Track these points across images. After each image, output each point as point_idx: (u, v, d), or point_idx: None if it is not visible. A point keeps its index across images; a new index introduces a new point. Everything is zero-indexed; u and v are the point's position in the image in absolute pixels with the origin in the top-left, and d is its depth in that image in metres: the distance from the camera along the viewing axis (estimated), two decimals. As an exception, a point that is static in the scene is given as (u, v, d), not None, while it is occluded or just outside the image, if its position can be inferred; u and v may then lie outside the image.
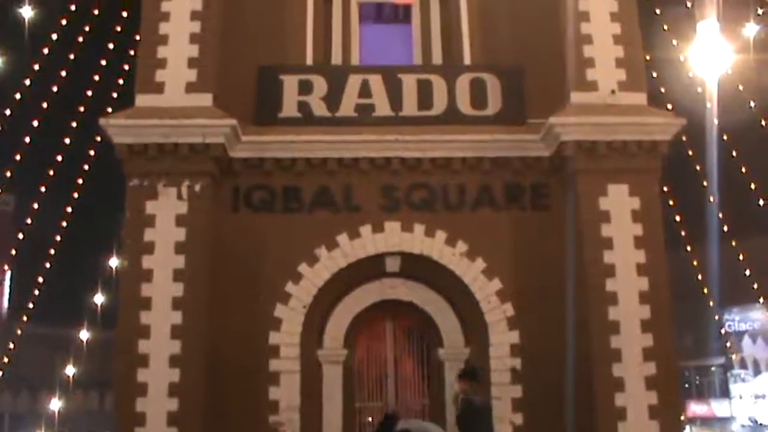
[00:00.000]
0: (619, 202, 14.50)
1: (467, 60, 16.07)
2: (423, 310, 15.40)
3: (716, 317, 29.13)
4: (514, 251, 14.95)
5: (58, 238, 24.65)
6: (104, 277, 33.63)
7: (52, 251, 24.78)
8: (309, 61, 15.96)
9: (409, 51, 16.74)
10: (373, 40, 16.80)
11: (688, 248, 23.30)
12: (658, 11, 21.87)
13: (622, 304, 14.05)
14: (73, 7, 22.95)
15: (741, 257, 23.82)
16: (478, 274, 14.81)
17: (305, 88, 15.39)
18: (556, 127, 14.53)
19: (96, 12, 23.06)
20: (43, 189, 24.03)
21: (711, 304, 25.22)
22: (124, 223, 14.50)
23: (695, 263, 23.45)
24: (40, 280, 24.87)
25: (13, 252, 27.00)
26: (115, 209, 15.71)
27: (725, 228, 23.14)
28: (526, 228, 15.03)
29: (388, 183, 15.08)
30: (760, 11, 20.59)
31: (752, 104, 21.17)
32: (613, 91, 14.91)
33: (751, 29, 20.55)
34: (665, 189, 18.62)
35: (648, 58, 18.09)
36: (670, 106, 18.98)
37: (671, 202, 21.56)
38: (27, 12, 23.64)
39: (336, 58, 16.42)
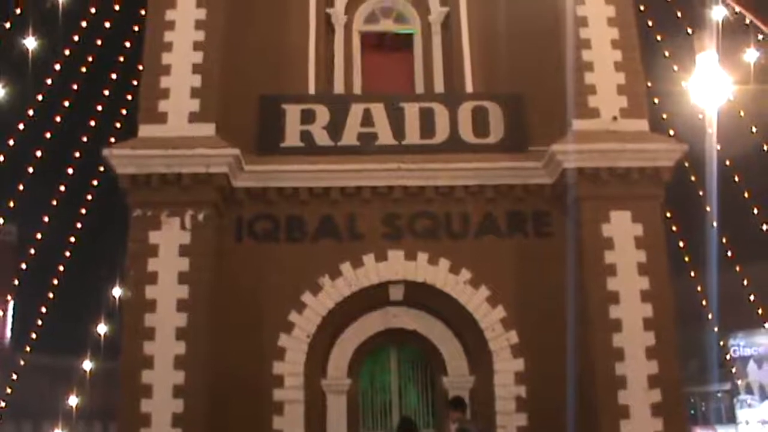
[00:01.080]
0: (622, 229, 14.47)
1: (469, 88, 16.12)
2: (427, 338, 15.39)
3: (721, 342, 29.01)
4: (517, 279, 14.92)
5: (61, 267, 24.63)
6: (107, 306, 33.59)
7: (55, 281, 24.76)
8: (311, 90, 16.03)
9: (411, 79, 16.83)
10: (375, 69, 16.87)
11: (692, 274, 23.28)
12: (659, 38, 22.04)
13: (626, 330, 13.98)
14: (76, 38, 23.07)
15: (745, 282, 23.78)
16: (482, 301, 14.79)
17: (308, 117, 15.47)
18: (558, 154, 14.55)
19: (99, 42, 23.18)
20: (46, 219, 24.06)
21: (715, 329, 25.13)
22: (127, 252, 14.45)
23: (699, 289, 23.42)
24: (43, 309, 24.85)
25: (16, 282, 26.98)
26: (118, 239, 15.68)
27: (729, 253, 23.11)
28: (529, 255, 15.01)
29: (391, 211, 15.11)
30: (760, 37, 20.68)
31: (754, 129, 21.26)
32: (614, 118, 14.90)
33: (751, 55, 20.61)
34: (668, 215, 18.57)
35: (649, 84, 18.13)
36: (672, 132, 19.08)
37: (674, 228, 21.55)
38: (30, 43, 23.74)
39: (338, 87, 16.49)
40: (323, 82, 16.27)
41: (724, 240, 22.88)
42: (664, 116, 21.13)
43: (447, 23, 16.95)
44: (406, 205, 15.11)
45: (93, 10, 22.78)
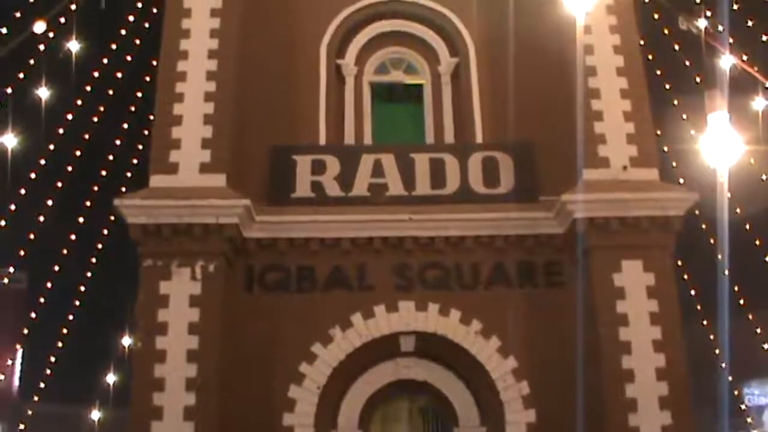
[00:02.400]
0: (633, 279, 14.42)
1: (479, 138, 16.21)
2: (438, 389, 15.29)
3: (735, 392, 28.70)
4: (528, 329, 14.86)
5: (71, 317, 24.59)
6: (117, 356, 33.47)
7: (65, 330, 24.69)
8: (322, 140, 16.13)
9: (421, 130, 16.93)
10: (386, 120, 17.01)
11: (704, 322, 23.12)
12: (667, 86, 22.11)
13: (638, 381, 13.87)
14: (88, 88, 23.26)
15: (758, 330, 23.61)
16: (493, 352, 14.72)
17: (318, 167, 15.54)
18: (569, 204, 14.56)
19: (111, 92, 23.35)
20: (56, 268, 24.06)
21: (729, 378, 24.86)
22: (137, 302, 14.45)
23: (712, 337, 23.23)
24: (52, 359, 24.76)
25: (26, 331, 26.91)
26: (129, 289, 15.70)
27: (741, 301, 22.97)
28: (540, 306, 14.98)
29: (401, 262, 15.11)
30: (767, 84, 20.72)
31: (764, 177, 21.22)
32: (625, 167, 14.94)
33: (759, 103, 20.65)
34: (679, 263, 18.51)
35: (659, 133, 18.18)
36: (682, 181, 19.07)
37: (685, 276, 21.45)
38: (43, 92, 23.95)
39: (349, 138, 16.59)
40: (334, 133, 16.38)
41: (736, 288, 22.74)
42: (674, 164, 21.14)
43: (457, 74, 17.11)
44: (416, 256, 15.12)
45: (105, 61, 22.99)
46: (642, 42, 17.04)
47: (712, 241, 21.62)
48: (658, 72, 21.48)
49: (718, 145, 9.02)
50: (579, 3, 12.35)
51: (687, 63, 21.41)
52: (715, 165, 9.49)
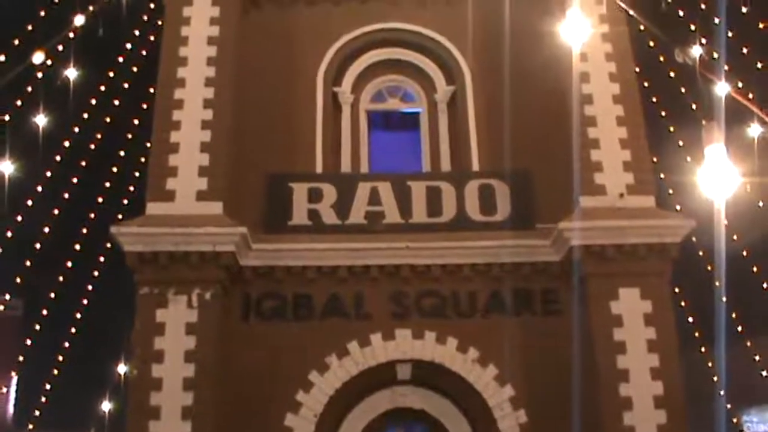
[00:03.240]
0: (630, 306, 14.42)
1: (475, 165, 16.22)
2: (435, 417, 15.23)
3: (734, 419, 28.57)
4: (526, 357, 14.81)
5: (67, 344, 24.49)
6: (112, 384, 33.29)
7: (60, 357, 24.59)
8: (318, 168, 16.14)
9: (417, 157, 16.94)
10: (382, 147, 17.05)
11: (702, 349, 23.05)
12: (663, 113, 22.15)
13: (636, 408, 13.83)
14: (85, 115, 23.29)
15: (757, 358, 23.55)
16: (490, 380, 14.67)
17: (315, 195, 15.56)
18: (565, 232, 14.58)
19: (108, 119, 23.37)
20: (52, 295, 23.98)
21: (728, 405, 24.77)
22: (133, 330, 14.42)
23: (710, 364, 23.15)
24: (48, 386, 24.63)
25: (21, 358, 26.77)
26: (125, 316, 15.68)
27: (739, 328, 22.91)
28: (537, 333, 14.93)
29: (398, 290, 15.10)
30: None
31: (761, 204, 21.24)
32: (621, 195, 14.98)
33: (755, 130, 20.69)
34: (676, 290, 18.49)
35: (655, 160, 18.20)
36: (678, 207, 19.07)
37: (683, 303, 21.42)
38: (41, 119, 23.98)
39: (345, 166, 16.58)
40: (330, 161, 16.38)
41: (734, 314, 22.71)
42: (671, 191, 21.14)
43: (453, 101, 17.13)
44: (413, 284, 15.11)
45: (102, 88, 23.03)
46: (637, 69, 17.09)
47: (709, 267, 21.60)
48: (654, 99, 21.52)
49: (715, 178, 9.08)
50: (575, 32, 12.41)
51: (683, 90, 21.44)
52: (713, 198, 9.54)
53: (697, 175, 9.34)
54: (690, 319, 22.26)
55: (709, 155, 9.07)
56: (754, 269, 22.26)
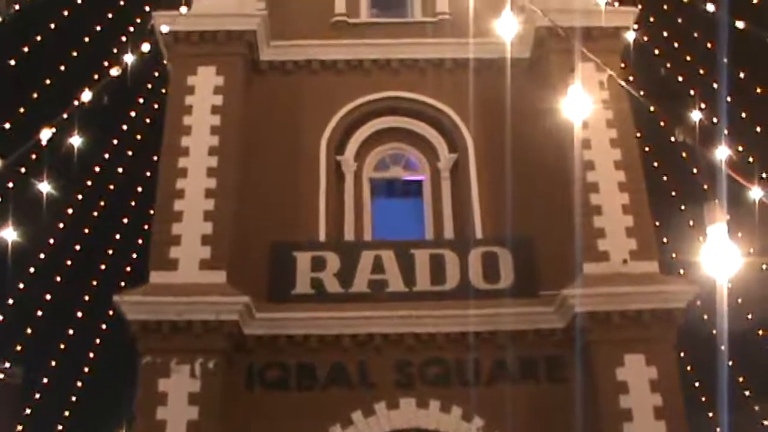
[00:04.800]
0: (636, 373, 14.35)
1: (479, 233, 16.23)
2: (440, 487, 15.00)
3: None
4: (531, 425, 14.67)
5: (67, 413, 24.30)
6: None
7: (60, 426, 24.38)
8: (322, 236, 16.14)
9: (420, 225, 16.95)
10: (385, 215, 17.06)
11: (710, 414, 22.86)
12: (665, 177, 22.27)
13: (645, 477, 13.68)
14: (89, 182, 23.41)
15: (765, 422, 23.40)
16: (496, 450, 14.50)
17: (318, 264, 15.56)
18: (569, 298, 14.56)
19: (111, 187, 23.49)
20: (53, 362, 23.87)
21: (737, 470, 24.55)
22: (135, 400, 14.32)
23: (718, 430, 22.95)
24: (47, 456, 24.41)
25: (20, 427, 26.55)
26: (127, 385, 15.59)
27: (746, 392, 22.79)
28: (542, 401, 14.82)
29: (402, 359, 15.00)
30: (764, 174, 20.87)
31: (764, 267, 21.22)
32: (624, 261, 15.01)
33: (756, 193, 20.74)
34: (682, 355, 18.40)
35: (657, 224, 18.23)
36: (682, 271, 19.04)
37: (689, 368, 21.31)
38: (44, 186, 24.09)
39: (348, 234, 16.57)
40: (334, 229, 16.38)
41: (741, 379, 22.60)
42: (674, 255, 21.16)
43: (456, 169, 17.17)
44: (417, 353, 15.02)
45: (106, 155, 23.18)
46: (639, 135, 17.21)
47: (714, 332, 21.52)
48: (656, 164, 21.65)
49: (718, 257, 9.10)
50: (576, 108, 12.46)
51: (684, 155, 21.60)
52: (716, 277, 9.55)
53: (701, 257, 9.35)
54: (696, 384, 22.15)
55: (712, 235, 9.10)
56: (760, 332, 22.20)
